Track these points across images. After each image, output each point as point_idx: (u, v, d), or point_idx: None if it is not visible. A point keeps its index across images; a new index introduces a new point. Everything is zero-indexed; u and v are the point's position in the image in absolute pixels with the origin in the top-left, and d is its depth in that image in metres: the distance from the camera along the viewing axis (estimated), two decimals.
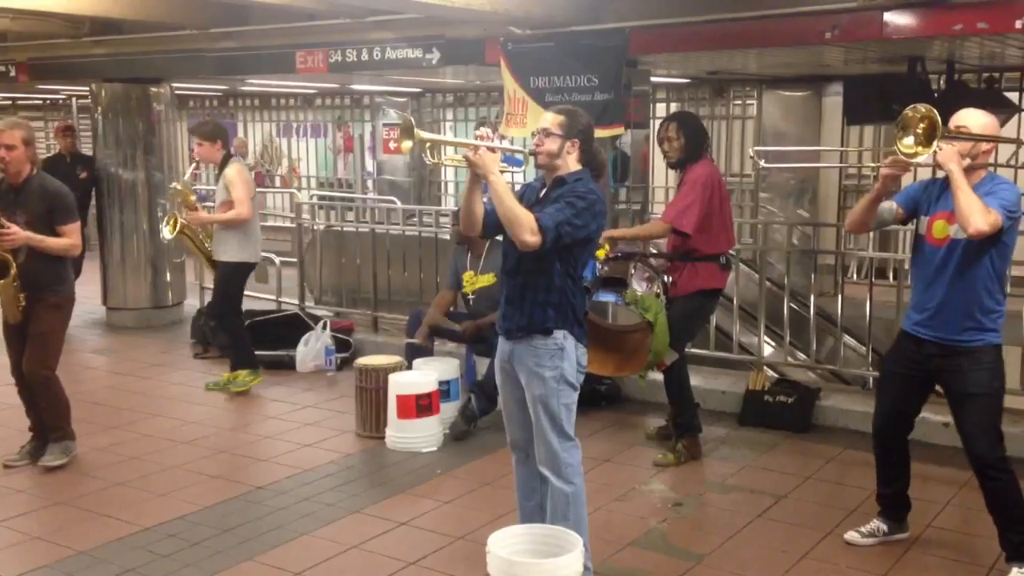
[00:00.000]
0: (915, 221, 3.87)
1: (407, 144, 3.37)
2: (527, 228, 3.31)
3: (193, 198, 6.52)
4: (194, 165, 6.93)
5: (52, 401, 5.08)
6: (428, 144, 3.49)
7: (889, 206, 3.86)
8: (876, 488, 4.17)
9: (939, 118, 3.42)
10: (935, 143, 3.43)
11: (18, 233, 4.73)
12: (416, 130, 3.34)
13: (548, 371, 3.47)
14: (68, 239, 4.88)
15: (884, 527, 4.12)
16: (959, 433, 3.82)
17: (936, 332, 3.73)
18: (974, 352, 3.68)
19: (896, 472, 4.09)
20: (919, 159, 3.49)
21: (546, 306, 3.47)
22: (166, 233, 6.65)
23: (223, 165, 6.39)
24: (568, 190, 3.44)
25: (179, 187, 6.60)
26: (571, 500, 3.53)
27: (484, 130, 3.76)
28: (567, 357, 3.49)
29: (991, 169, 3.82)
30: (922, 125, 3.46)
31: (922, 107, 3.46)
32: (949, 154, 3.50)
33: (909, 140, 3.49)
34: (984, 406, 3.72)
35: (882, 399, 4.06)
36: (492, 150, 3.40)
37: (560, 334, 3.48)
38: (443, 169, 12.18)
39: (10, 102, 15.67)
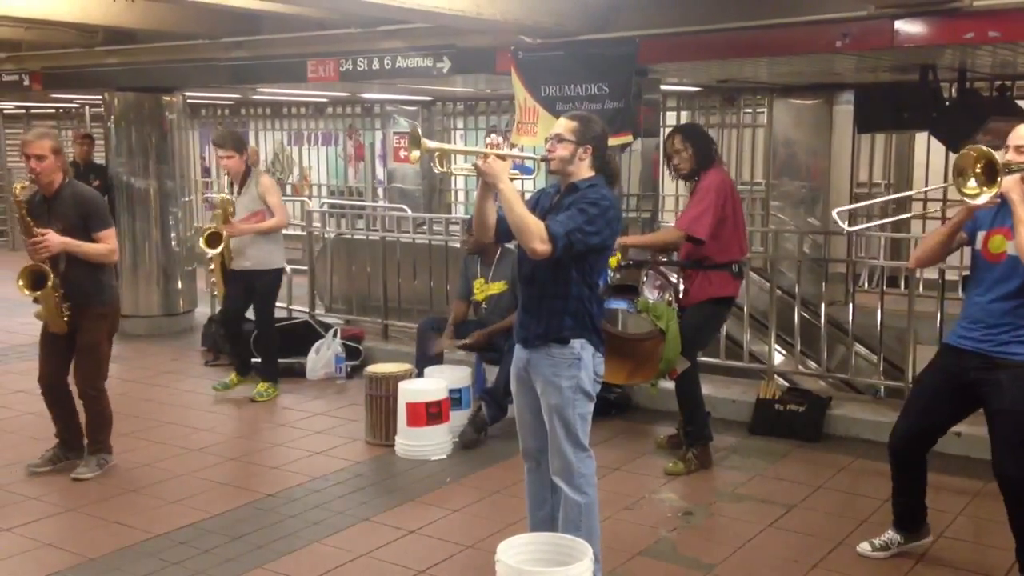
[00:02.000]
0: (974, 236, 3.79)
1: (415, 154, 3.35)
2: (536, 236, 3.30)
3: (232, 209, 6.42)
4: (227, 176, 6.68)
5: (98, 414, 5.09)
6: (437, 153, 3.45)
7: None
8: (892, 497, 4.10)
9: (996, 157, 3.35)
10: (998, 180, 3.34)
11: (52, 239, 4.72)
12: (423, 140, 3.32)
13: (565, 380, 3.46)
14: (105, 244, 4.85)
15: (899, 538, 4.06)
16: (991, 445, 3.72)
17: (981, 344, 3.67)
18: (1016, 367, 3.60)
19: (911, 484, 4.03)
20: (983, 199, 3.40)
21: (563, 314, 3.45)
22: (204, 248, 6.49)
23: (246, 175, 6.41)
24: (580, 197, 3.43)
25: (223, 197, 6.47)
26: (584, 511, 3.51)
27: (495, 137, 3.70)
28: (584, 367, 3.48)
29: None
30: (979, 165, 3.38)
31: (974, 149, 3.39)
32: (1010, 183, 3.43)
33: (972, 183, 3.40)
34: (1015, 423, 3.62)
35: (909, 412, 3.96)
36: (502, 157, 3.35)
37: (578, 343, 3.46)
38: (453, 177, 12.21)
39: (24, 111, 15.79)
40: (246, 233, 6.37)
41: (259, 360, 6.72)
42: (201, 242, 6.51)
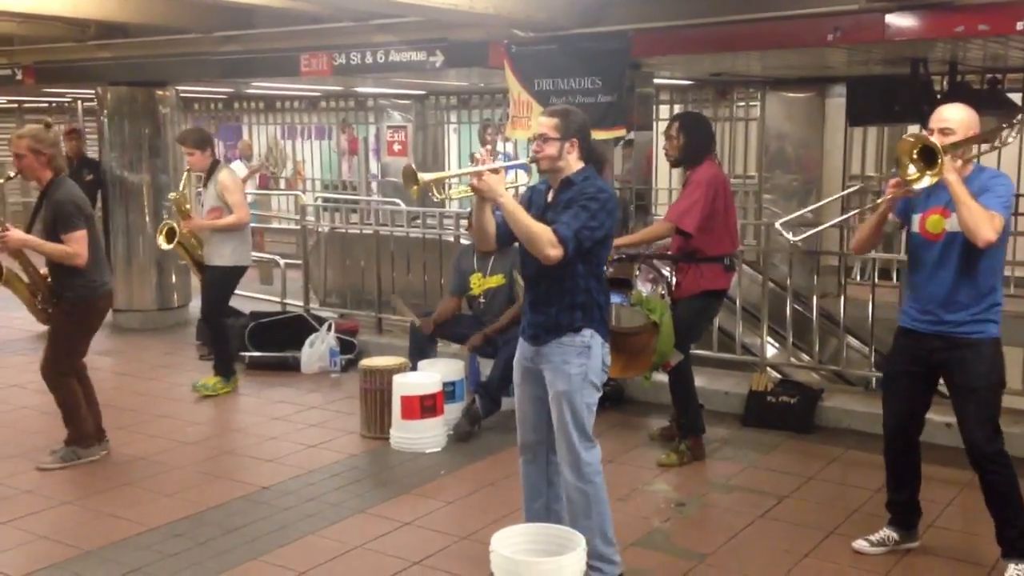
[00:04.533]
0: (908, 218, 3.85)
1: (415, 189, 3.37)
2: (547, 242, 3.32)
3: (188, 206, 6.51)
4: (186, 172, 6.75)
5: (59, 403, 5.13)
6: (433, 183, 3.44)
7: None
8: (887, 495, 4.11)
9: (933, 141, 3.45)
10: (939, 162, 3.42)
11: (11, 236, 4.87)
12: (419, 174, 3.33)
13: (574, 368, 3.48)
14: (66, 247, 4.85)
15: (895, 535, 4.05)
16: (959, 426, 3.81)
17: (938, 326, 3.73)
18: (977, 344, 3.68)
19: (907, 476, 4.02)
20: (926, 182, 3.48)
21: (573, 308, 3.48)
22: (162, 243, 6.62)
23: (211, 172, 6.42)
24: (579, 192, 3.44)
25: (176, 195, 6.59)
26: (591, 499, 3.53)
27: (481, 153, 3.71)
28: (593, 356, 3.50)
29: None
30: (915, 150, 3.48)
31: (911, 135, 3.51)
32: (946, 166, 3.48)
33: (912, 169, 3.50)
34: (983, 399, 3.72)
35: (890, 401, 4.00)
36: (495, 171, 3.37)
37: (588, 332, 3.49)
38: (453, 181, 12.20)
39: (16, 105, 15.75)
40: (200, 229, 6.43)
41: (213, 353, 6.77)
42: (160, 237, 6.61)
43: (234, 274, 6.53)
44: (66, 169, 5.05)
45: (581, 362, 3.48)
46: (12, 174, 5.16)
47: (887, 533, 4.07)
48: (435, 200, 3.55)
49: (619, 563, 3.61)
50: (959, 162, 3.57)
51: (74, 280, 4.95)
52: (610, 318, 4.80)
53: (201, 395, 6.48)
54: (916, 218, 3.78)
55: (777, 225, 4.11)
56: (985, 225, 3.44)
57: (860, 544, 4.07)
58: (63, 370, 5.08)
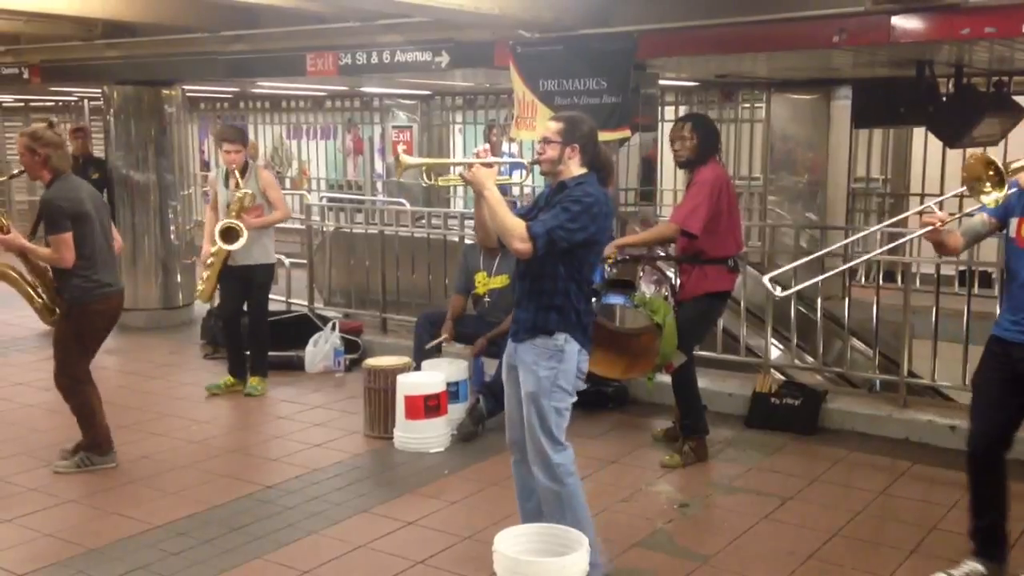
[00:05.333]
0: (1006, 222, 3.66)
1: (399, 170, 3.57)
2: (516, 236, 3.38)
3: (249, 202, 6.26)
4: (235, 171, 6.36)
5: (74, 410, 5.07)
6: (424, 168, 3.64)
7: (981, 219, 3.71)
8: (969, 521, 3.77)
9: (996, 161, 3.39)
10: (1006, 181, 3.38)
11: (9, 239, 4.89)
12: (402, 156, 3.54)
13: (543, 370, 3.51)
14: (49, 250, 4.82)
15: (980, 568, 3.68)
16: None
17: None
18: None
19: (992, 498, 3.69)
20: (993, 197, 3.41)
21: (549, 309, 3.51)
22: (221, 244, 6.18)
23: (244, 169, 6.36)
24: (566, 195, 3.49)
25: (244, 193, 6.20)
26: (564, 500, 3.54)
27: (483, 147, 3.78)
28: (566, 360, 3.52)
29: None
30: (990, 171, 3.39)
31: (979, 158, 3.41)
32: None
33: (988, 187, 3.40)
34: None
35: (976, 413, 3.74)
36: (488, 165, 3.46)
37: (562, 337, 3.51)
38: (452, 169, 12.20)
39: (23, 104, 15.79)
40: (257, 227, 6.27)
41: (252, 355, 6.67)
42: (217, 238, 6.20)
43: (273, 271, 6.67)
44: (67, 169, 4.95)
45: (551, 365, 3.50)
46: (15, 172, 5.19)
47: (972, 567, 3.70)
48: (423, 185, 3.69)
49: (602, 564, 3.60)
50: None
51: (70, 281, 4.88)
52: (613, 319, 4.84)
53: (253, 396, 6.47)
54: (1013, 222, 3.59)
55: (765, 280, 4.07)
56: None
57: None
58: (73, 375, 5.00)
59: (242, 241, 6.15)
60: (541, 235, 3.38)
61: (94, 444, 5.09)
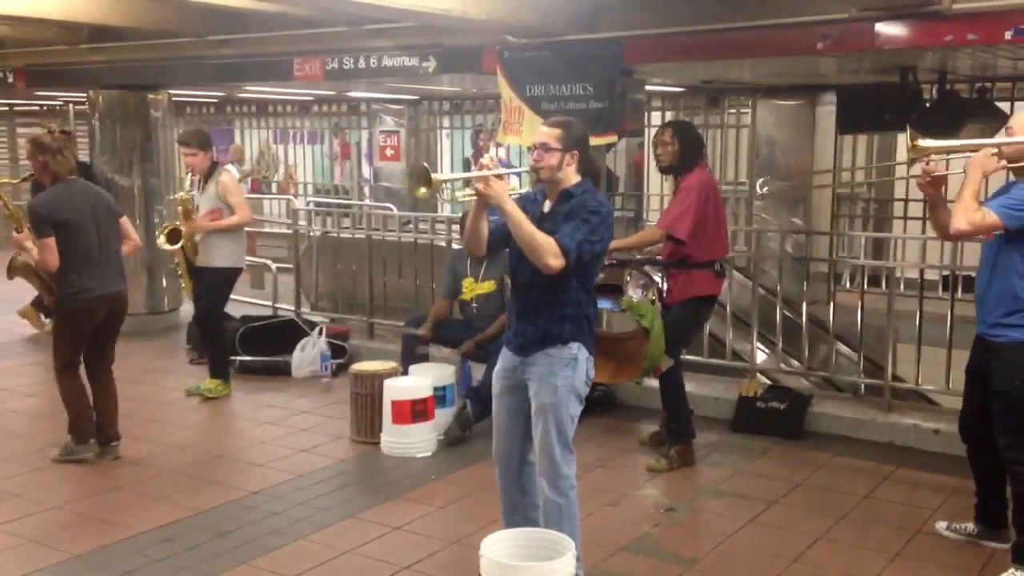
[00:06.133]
0: None
1: (423, 191, 3.31)
2: (550, 253, 3.31)
3: (191, 206, 6.45)
4: (190, 174, 6.63)
5: (61, 395, 5.28)
6: (450, 183, 3.48)
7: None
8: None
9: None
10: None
11: (18, 239, 5.23)
12: (433, 175, 3.27)
13: (560, 380, 3.48)
14: (35, 251, 5.08)
15: (973, 528, 4.16)
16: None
17: (979, 327, 3.83)
18: (999, 348, 3.73)
19: (980, 471, 4.10)
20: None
21: (563, 320, 3.48)
22: (163, 244, 6.55)
23: (209, 173, 6.40)
24: (579, 205, 3.44)
25: (183, 195, 6.49)
26: (564, 512, 3.54)
27: (489, 158, 3.68)
28: (579, 368, 3.51)
29: None
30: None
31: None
32: (975, 160, 3.60)
33: None
34: (1004, 405, 3.76)
35: (964, 397, 4.14)
36: (500, 177, 3.35)
37: (575, 345, 3.49)
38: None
39: (7, 108, 15.72)
40: (205, 230, 6.37)
41: (207, 355, 6.74)
42: (161, 239, 6.56)
43: (231, 275, 6.55)
44: (66, 175, 5.09)
45: (567, 374, 3.49)
46: (26, 176, 5.68)
47: (968, 525, 4.18)
48: (435, 200, 3.60)
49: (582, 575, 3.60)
50: (1000, 161, 3.61)
51: (60, 282, 5.11)
52: (600, 323, 4.85)
53: (202, 399, 6.47)
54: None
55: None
56: (959, 215, 3.57)
57: (940, 524, 4.24)
58: (61, 363, 5.22)
59: (164, 243, 6.51)
60: (573, 250, 3.33)
61: (75, 429, 5.26)
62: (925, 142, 3.57)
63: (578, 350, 3.50)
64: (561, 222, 3.43)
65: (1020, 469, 3.75)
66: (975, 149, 3.65)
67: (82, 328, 5.19)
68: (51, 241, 4.95)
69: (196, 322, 6.92)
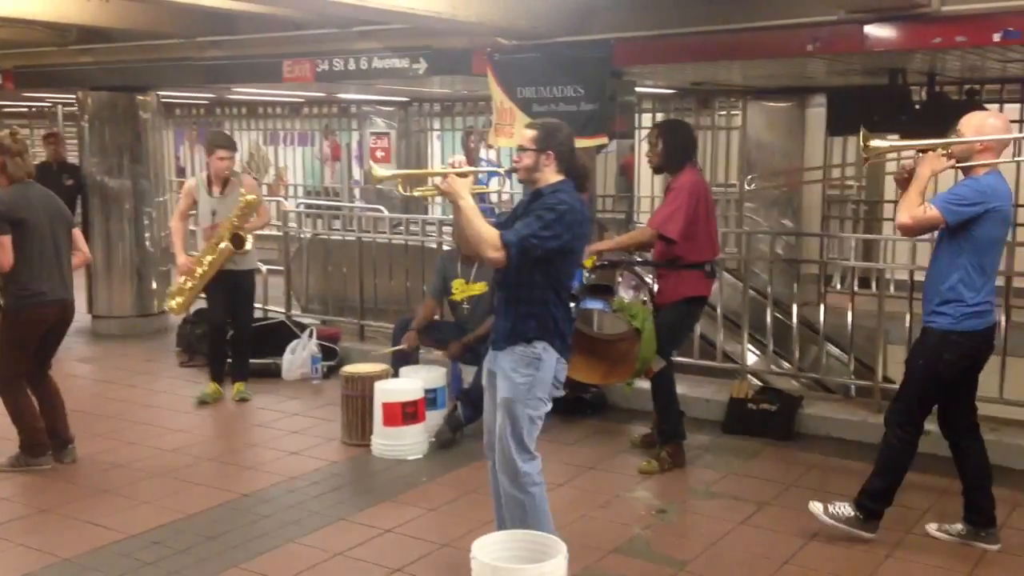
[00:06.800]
0: None
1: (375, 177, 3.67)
2: (489, 245, 3.39)
3: (257, 208, 6.30)
4: (203, 177, 6.44)
5: (6, 408, 5.14)
6: (398, 180, 3.70)
7: None
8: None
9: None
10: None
11: None
12: (374, 167, 3.67)
13: (520, 377, 3.51)
14: None
15: (961, 528, 4.20)
16: None
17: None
18: (925, 331, 4.02)
19: (960, 466, 4.21)
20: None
21: (528, 317, 3.52)
22: (228, 247, 6.15)
23: (228, 176, 6.34)
24: (540, 203, 3.50)
25: (251, 198, 6.19)
26: (527, 509, 3.54)
27: (457, 158, 3.81)
28: (543, 368, 3.52)
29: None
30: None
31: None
32: (924, 159, 3.85)
33: None
34: (906, 375, 4.09)
35: None
36: (463, 175, 3.46)
37: (540, 345, 3.51)
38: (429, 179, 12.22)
39: None
40: (254, 231, 6.38)
41: (240, 360, 6.66)
42: (225, 244, 6.16)
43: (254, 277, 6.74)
44: (25, 177, 4.97)
45: (529, 372, 3.51)
46: None
47: (956, 525, 4.22)
48: (398, 195, 3.72)
49: None
50: (950, 161, 3.85)
51: (9, 286, 5.00)
52: (592, 325, 4.86)
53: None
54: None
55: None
56: (901, 211, 3.83)
57: (931, 526, 4.29)
58: (4, 376, 5.07)
59: (249, 246, 6.25)
60: (514, 244, 3.38)
61: (27, 445, 5.14)
62: (876, 142, 3.89)
63: (543, 350, 3.52)
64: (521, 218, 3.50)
65: (892, 438, 4.06)
66: (925, 149, 3.88)
67: (32, 336, 5.07)
68: (7, 240, 4.85)
69: (244, 327, 6.63)
